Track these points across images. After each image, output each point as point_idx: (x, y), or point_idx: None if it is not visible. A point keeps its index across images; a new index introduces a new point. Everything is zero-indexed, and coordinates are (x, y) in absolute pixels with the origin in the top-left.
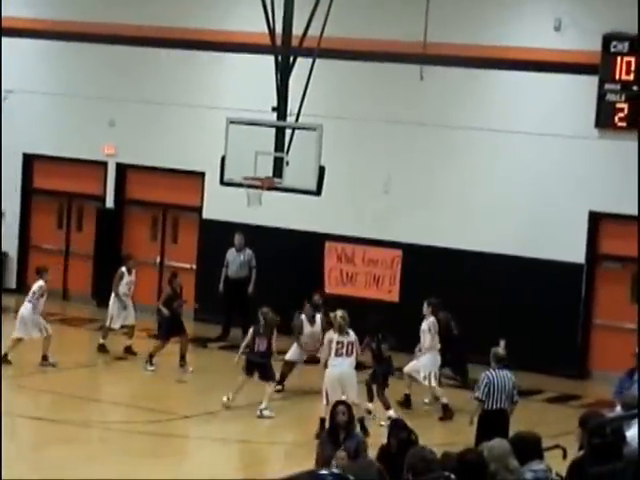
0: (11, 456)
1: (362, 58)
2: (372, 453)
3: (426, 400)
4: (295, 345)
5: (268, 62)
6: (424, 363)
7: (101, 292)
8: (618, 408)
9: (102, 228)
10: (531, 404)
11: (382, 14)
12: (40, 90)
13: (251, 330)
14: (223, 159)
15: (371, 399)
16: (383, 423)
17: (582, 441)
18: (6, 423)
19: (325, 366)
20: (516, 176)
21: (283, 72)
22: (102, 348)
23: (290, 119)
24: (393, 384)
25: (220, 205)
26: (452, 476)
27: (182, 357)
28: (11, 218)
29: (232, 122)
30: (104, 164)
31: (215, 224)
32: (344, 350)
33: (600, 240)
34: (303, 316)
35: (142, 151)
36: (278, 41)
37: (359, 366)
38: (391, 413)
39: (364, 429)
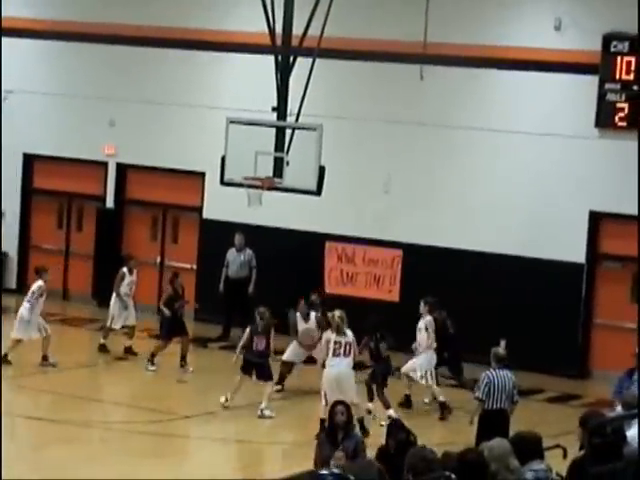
0: (11, 456)
1: (362, 58)
2: (371, 453)
3: (426, 400)
4: (292, 345)
5: (268, 62)
6: (420, 362)
7: (101, 292)
8: (618, 408)
9: (102, 228)
10: (531, 404)
11: (382, 14)
12: (40, 90)
13: (248, 330)
14: (223, 159)
15: (371, 399)
16: (383, 423)
17: (583, 441)
18: (6, 423)
19: (323, 366)
20: (516, 176)
21: (283, 72)
22: (103, 348)
23: (290, 119)
24: (393, 385)
25: (220, 205)
26: (453, 476)
27: (183, 357)
28: (11, 218)
29: (232, 122)
30: (104, 164)
31: (215, 224)
32: (342, 350)
33: (600, 240)
34: (298, 314)
35: (142, 151)
36: (278, 41)
37: (359, 366)
38: (391, 412)
39: (364, 429)
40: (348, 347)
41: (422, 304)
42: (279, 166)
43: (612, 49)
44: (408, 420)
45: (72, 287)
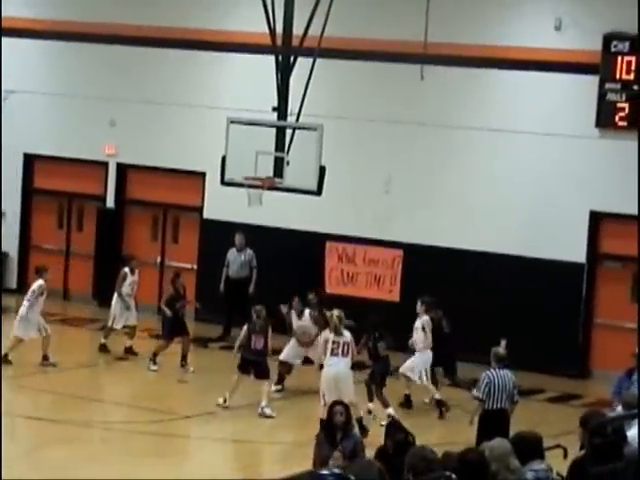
0: (11, 456)
1: (363, 58)
2: (370, 453)
3: (426, 400)
4: (289, 344)
5: (269, 62)
6: (416, 362)
7: (102, 292)
8: (619, 408)
9: (103, 228)
10: (532, 404)
11: (383, 14)
12: (41, 90)
13: (245, 328)
14: (224, 159)
15: (371, 399)
16: (384, 423)
17: (583, 441)
18: (7, 423)
19: (321, 367)
20: (517, 176)
21: (284, 72)
22: (103, 348)
23: (291, 119)
24: (393, 385)
25: (221, 205)
26: (453, 476)
27: (183, 357)
28: (12, 218)
29: (233, 122)
30: (105, 164)
31: (216, 224)
32: (340, 350)
33: (601, 240)
34: (292, 311)
35: (143, 151)
36: (278, 41)
37: (358, 366)
38: (390, 411)
39: (362, 429)
40: (346, 347)
41: (419, 303)
42: (279, 166)
43: (612, 49)
44: (408, 420)
45: (72, 287)
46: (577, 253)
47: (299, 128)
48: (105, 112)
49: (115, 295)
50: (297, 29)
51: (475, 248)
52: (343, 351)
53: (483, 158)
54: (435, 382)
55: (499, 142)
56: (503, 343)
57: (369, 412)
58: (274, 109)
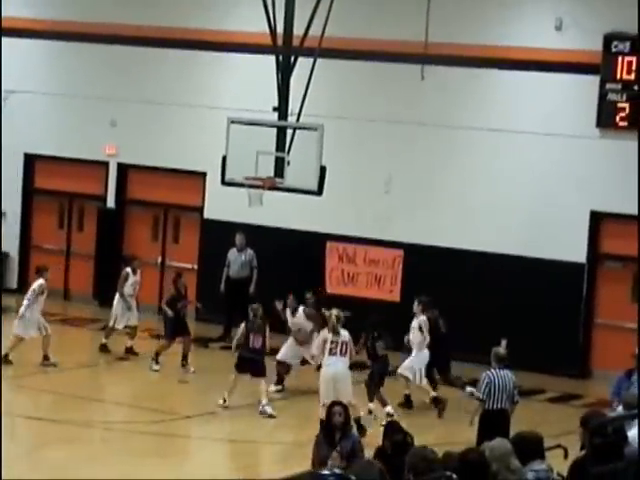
0: (11, 456)
1: (363, 58)
2: (369, 453)
3: (427, 400)
4: (286, 344)
5: (269, 62)
6: (414, 362)
7: (102, 292)
8: (619, 408)
9: (103, 228)
10: (533, 404)
11: (383, 14)
12: (41, 90)
13: (242, 326)
14: (224, 159)
15: (371, 399)
16: (384, 423)
17: (584, 441)
18: (7, 423)
19: (319, 366)
20: (517, 176)
21: (284, 72)
22: (104, 348)
23: (291, 119)
24: (393, 385)
25: (221, 205)
26: (454, 476)
27: (184, 357)
28: (12, 218)
29: (233, 122)
30: (105, 164)
31: (216, 224)
32: (338, 350)
33: (601, 240)
34: (287, 309)
35: (143, 151)
36: (279, 41)
37: (358, 366)
38: (389, 409)
39: (360, 429)
40: (344, 346)
41: (416, 303)
42: (280, 166)
43: (613, 49)
44: (409, 420)
45: (73, 287)
46: (577, 253)
47: (300, 128)
48: (105, 112)
49: (117, 295)
50: (298, 29)
51: (476, 248)
52: (341, 350)
53: (484, 158)
54: (433, 381)
55: (500, 142)
56: (503, 343)
57: (369, 412)
58: (274, 109)
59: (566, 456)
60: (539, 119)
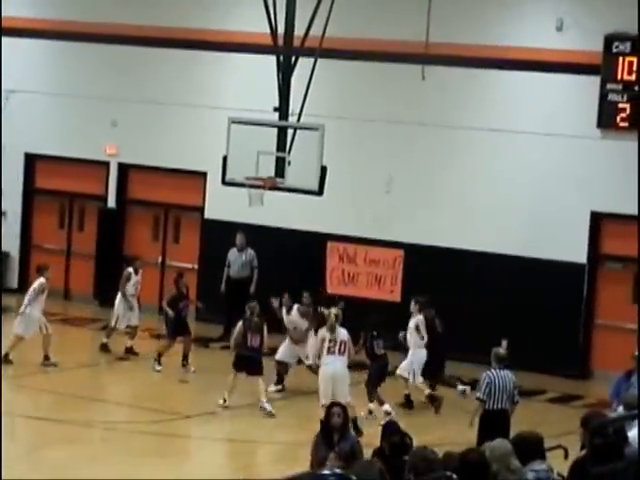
0: (11, 456)
1: (364, 58)
2: (368, 454)
3: (423, 399)
4: (284, 344)
5: (270, 62)
6: (410, 362)
7: (103, 292)
8: (620, 408)
9: (104, 228)
10: (533, 404)
11: (384, 14)
12: (42, 90)
13: (239, 325)
14: (225, 159)
15: (371, 399)
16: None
17: (584, 441)
18: (7, 423)
19: (310, 367)
20: (518, 176)
21: (285, 72)
22: (104, 347)
23: (292, 119)
24: (393, 385)
25: (222, 205)
26: (454, 476)
27: (185, 357)
28: (13, 218)
29: (234, 122)
30: (106, 164)
31: (217, 224)
32: (336, 348)
33: (602, 240)
34: (283, 307)
35: (144, 151)
36: (280, 41)
37: (358, 367)
38: (386, 408)
39: (357, 429)
40: (343, 345)
41: (412, 303)
42: (281, 166)
43: (614, 49)
44: (409, 420)
45: (73, 287)
46: (578, 253)
47: (300, 128)
48: (106, 112)
49: (119, 295)
50: (298, 29)
51: (476, 248)
52: (340, 349)
53: (484, 158)
54: (431, 380)
55: (500, 142)
56: (504, 343)
57: (370, 412)
58: (275, 109)
59: (566, 456)
60: (540, 119)
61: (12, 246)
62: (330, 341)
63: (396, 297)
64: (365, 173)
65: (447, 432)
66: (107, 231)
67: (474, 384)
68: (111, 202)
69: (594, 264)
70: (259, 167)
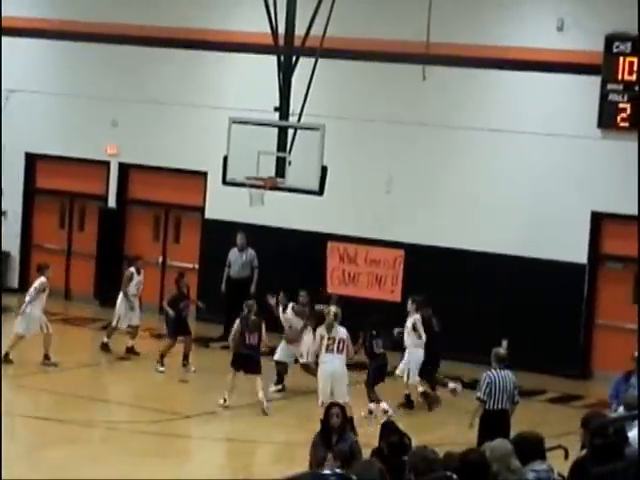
0: (11, 456)
1: (364, 58)
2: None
3: (419, 398)
4: (281, 345)
5: (271, 62)
6: (406, 361)
7: (103, 292)
8: (621, 408)
9: (104, 228)
10: (533, 404)
11: (384, 14)
12: (43, 90)
13: (236, 323)
14: (225, 159)
15: (371, 399)
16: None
17: (584, 441)
18: (7, 423)
19: (315, 363)
20: (518, 176)
21: (285, 72)
22: (105, 347)
23: (292, 119)
24: (394, 385)
25: (222, 205)
26: (454, 476)
27: (185, 357)
28: (13, 217)
29: (234, 122)
30: (107, 164)
31: (217, 224)
32: (335, 347)
33: (602, 240)
34: (280, 306)
35: (145, 151)
36: (281, 41)
37: (358, 367)
38: (384, 406)
39: (352, 429)
40: (341, 343)
41: (409, 302)
42: (281, 166)
43: (614, 50)
44: (409, 420)
45: (74, 287)
46: (578, 254)
47: (301, 128)
48: (107, 112)
49: (120, 295)
50: (299, 29)
51: (476, 248)
52: (338, 348)
53: (484, 158)
54: (430, 379)
55: (500, 142)
56: (504, 343)
57: (370, 412)
58: (276, 109)
59: (567, 457)
60: (540, 119)
61: (12, 246)
62: (329, 339)
63: (396, 297)
64: (365, 173)
65: (447, 432)
66: (108, 231)
67: (474, 384)
68: (112, 202)
69: (594, 264)
70: (260, 167)
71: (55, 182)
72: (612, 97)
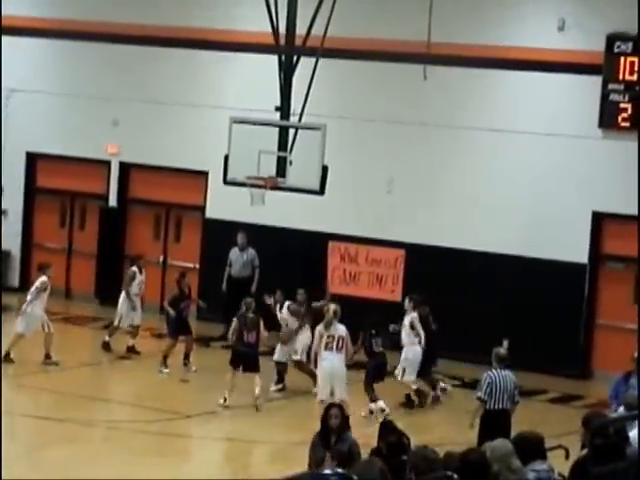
0: (11, 456)
1: (365, 58)
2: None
3: (428, 399)
4: (279, 345)
5: (272, 62)
6: (403, 358)
7: (104, 291)
8: (621, 409)
9: (105, 227)
10: (534, 404)
11: (385, 14)
12: (43, 89)
13: (234, 321)
14: (226, 158)
15: (371, 398)
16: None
17: (585, 441)
18: (7, 422)
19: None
20: (519, 176)
21: (286, 72)
22: (106, 346)
23: (293, 119)
24: (393, 386)
25: (223, 204)
26: (455, 476)
27: (186, 356)
28: (14, 217)
29: (235, 121)
30: (107, 163)
31: (218, 223)
32: (334, 344)
33: (603, 240)
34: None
35: (145, 150)
36: (282, 41)
37: (356, 366)
38: (381, 405)
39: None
40: (341, 341)
41: (407, 300)
42: (282, 165)
43: (615, 49)
44: (410, 420)
45: (75, 286)
46: (579, 254)
47: (302, 128)
48: (108, 111)
49: (122, 294)
50: (300, 29)
51: (477, 248)
52: (338, 345)
53: (485, 158)
54: (428, 378)
55: (501, 142)
56: (505, 343)
57: (370, 412)
58: (277, 109)
59: (567, 456)
60: (541, 119)
61: (13, 245)
62: (328, 337)
63: (397, 297)
64: (366, 173)
65: (447, 432)
66: (108, 230)
67: (474, 384)
68: (112, 201)
69: (595, 264)
70: (260, 166)
71: (56, 181)
72: (613, 97)
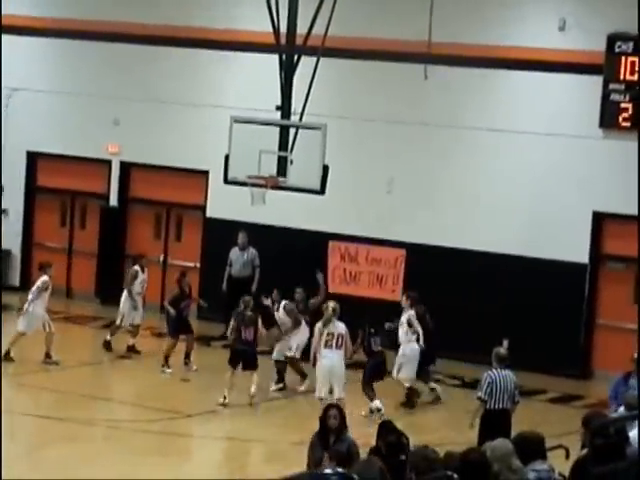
0: (11, 455)
1: (366, 57)
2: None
3: (429, 399)
4: (278, 344)
5: (272, 61)
6: (400, 355)
7: (105, 290)
8: (621, 409)
9: (106, 226)
10: (534, 404)
11: (386, 13)
12: (44, 88)
13: (233, 320)
14: (227, 158)
15: (371, 398)
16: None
17: (585, 441)
18: (8, 421)
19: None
20: (520, 176)
21: (287, 71)
22: (107, 345)
23: (294, 118)
24: (393, 385)
25: (224, 204)
26: (455, 476)
27: (187, 355)
28: (14, 216)
29: (236, 121)
30: (108, 162)
31: (219, 223)
32: (334, 342)
33: (603, 240)
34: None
35: (146, 149)
36: (282, 40)
37: (358, 366)
38: (378, 404)
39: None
40: (340, 339)
41: (404, 298)
42: (283, 165)
43: (616, 49)
44: (410, 419)
45: (75, 285)
46: (580, 253)
47: (303, 127)
48: (109, 110)
49: (125, 293)
50: (301, 28)
51: (477, 248)
52: (337, 343)
53: (486, 158)
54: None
55: (502, 142)
56: (505, 343)
57: (371, 412)
58: (278, 108)
59: (567, 456)
60: (542, 119)
61: (14, 244)
62: (328, 335)
63: (397, 297)
64: (367, 173)
65: (447, 432)
66: (109, 229)
67: (475, 384)
68: (113, 200)
69: (596, 264)
70: (261, 166)
71: (56, 180)
72: (614, 97)
